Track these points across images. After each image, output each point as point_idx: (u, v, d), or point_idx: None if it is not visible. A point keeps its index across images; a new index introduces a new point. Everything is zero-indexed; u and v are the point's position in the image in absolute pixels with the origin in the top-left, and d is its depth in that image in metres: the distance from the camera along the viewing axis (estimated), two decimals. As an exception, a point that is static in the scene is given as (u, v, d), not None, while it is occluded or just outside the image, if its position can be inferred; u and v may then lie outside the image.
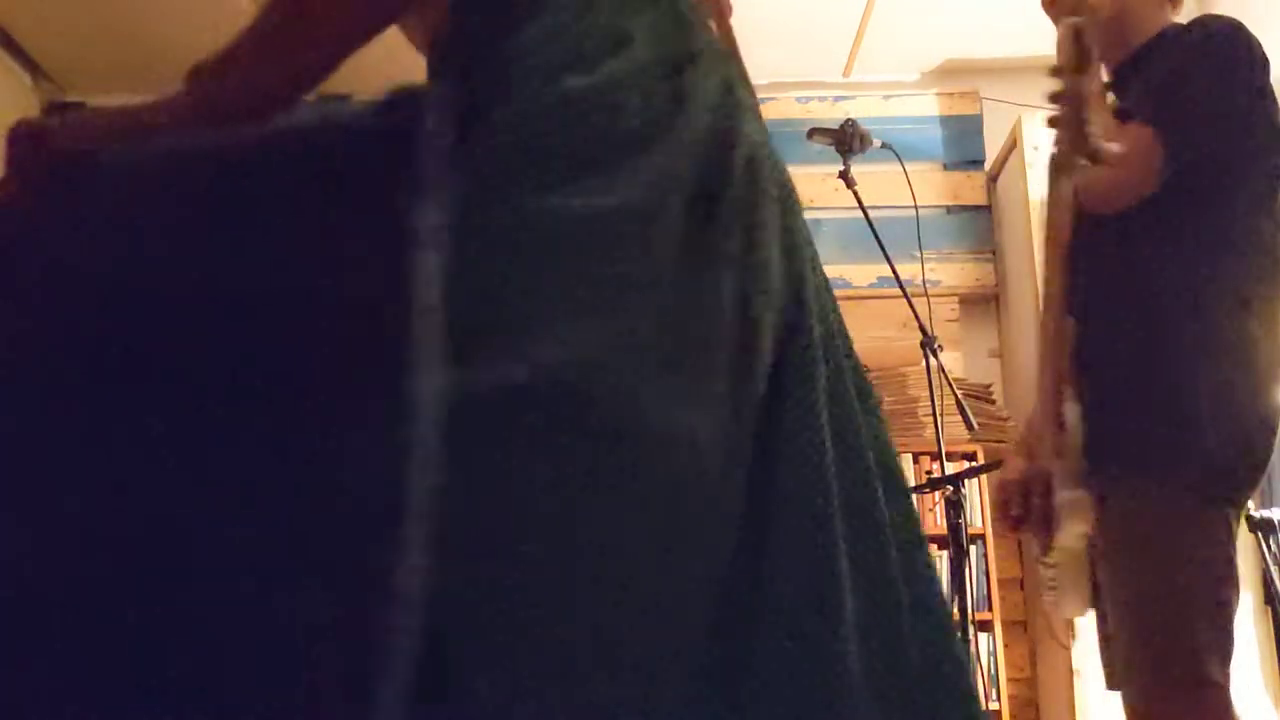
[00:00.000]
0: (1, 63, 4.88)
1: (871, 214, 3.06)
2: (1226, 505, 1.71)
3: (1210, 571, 1.67)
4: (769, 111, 5.01)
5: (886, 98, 5.03)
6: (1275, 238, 1.79)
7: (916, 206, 3.50)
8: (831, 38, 4.80)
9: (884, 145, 3.07)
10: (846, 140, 3.05)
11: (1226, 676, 1.63)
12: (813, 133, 3.09)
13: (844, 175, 3.05)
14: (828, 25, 4.69)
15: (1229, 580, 1.68)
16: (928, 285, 4.67)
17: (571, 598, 0.75)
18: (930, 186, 4.88)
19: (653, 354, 0.81)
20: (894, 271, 2.96)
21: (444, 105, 0.82)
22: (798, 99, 5.05)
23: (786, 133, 5.01)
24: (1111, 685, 1.80)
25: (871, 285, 4.74)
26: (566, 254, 0.79)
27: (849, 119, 3.09)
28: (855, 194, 3.02)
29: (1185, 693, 1.63)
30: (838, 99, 5.02)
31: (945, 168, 4.94)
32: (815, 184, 4.98)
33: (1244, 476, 1.73)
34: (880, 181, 4.03)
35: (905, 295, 2.94)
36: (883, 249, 3.01)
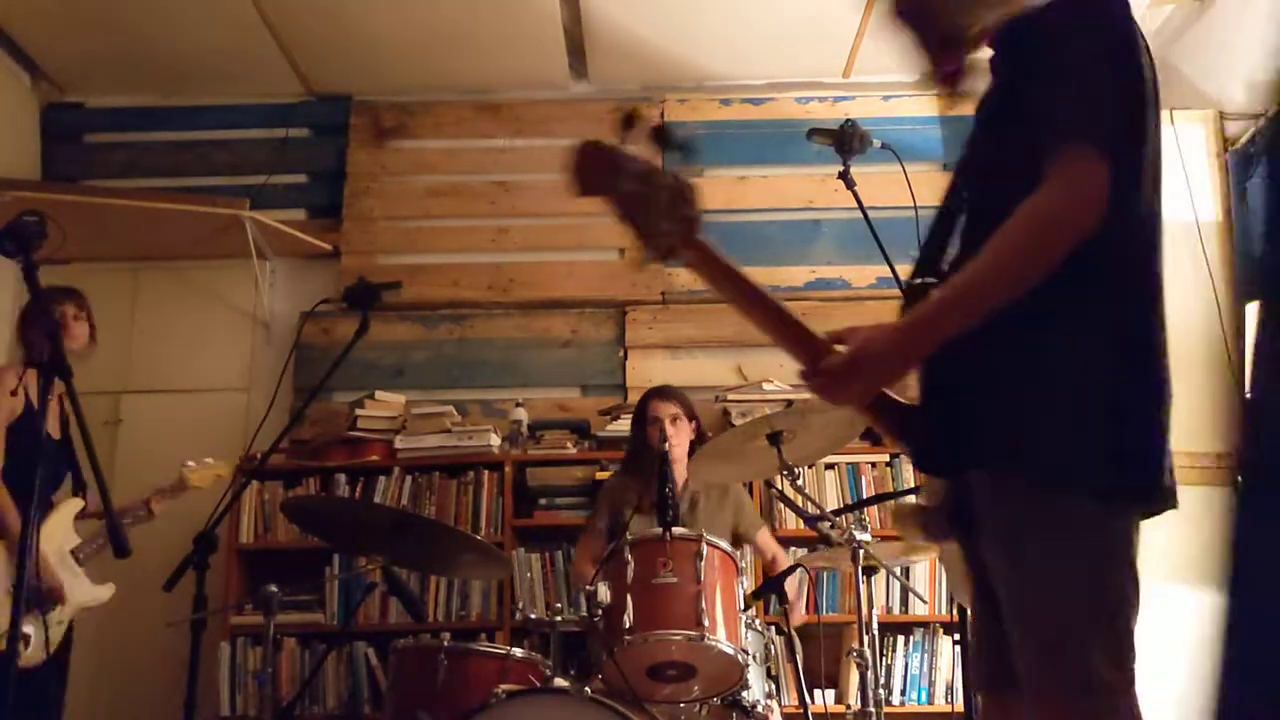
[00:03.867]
0: (1, 63, 4.88)
1: (871, 214, 3.06)
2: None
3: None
4: (769, 112, 5.03)
5: (886, 98, 5.03)
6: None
7: (916, 207, 3.49)
8: (831, 38, 4.80)
9: (884, 146, 3.06)
10: (846, 140, 3.04)
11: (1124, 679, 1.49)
12: (813, 133, 3.09)
13: (844, 175, 3.05)
14: (828, 25, 4.69)
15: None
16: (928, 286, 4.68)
17: None
18: (930, 187, 4.85)
19: None
20: (894, 272, 2.95)
21: None
22: (798, 99, 5.04)
23: (786, 133, 5.02)
24: (981, 687, 1.72)
25: (871, 286, 4.71)
26: None
27: (849, 119, 3.08)
28: (855, 194, 3.01)
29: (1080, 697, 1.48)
30: (838, 99, 5.02)
31: (945, 168, 4.94)
32: (815, 184, 4.99)
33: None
34: (880, 182, 4.02)
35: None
36: (882, 249, 3.01)
